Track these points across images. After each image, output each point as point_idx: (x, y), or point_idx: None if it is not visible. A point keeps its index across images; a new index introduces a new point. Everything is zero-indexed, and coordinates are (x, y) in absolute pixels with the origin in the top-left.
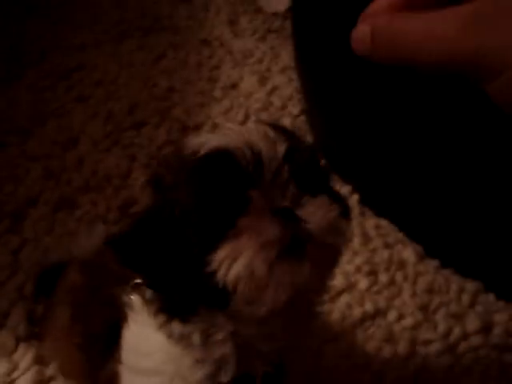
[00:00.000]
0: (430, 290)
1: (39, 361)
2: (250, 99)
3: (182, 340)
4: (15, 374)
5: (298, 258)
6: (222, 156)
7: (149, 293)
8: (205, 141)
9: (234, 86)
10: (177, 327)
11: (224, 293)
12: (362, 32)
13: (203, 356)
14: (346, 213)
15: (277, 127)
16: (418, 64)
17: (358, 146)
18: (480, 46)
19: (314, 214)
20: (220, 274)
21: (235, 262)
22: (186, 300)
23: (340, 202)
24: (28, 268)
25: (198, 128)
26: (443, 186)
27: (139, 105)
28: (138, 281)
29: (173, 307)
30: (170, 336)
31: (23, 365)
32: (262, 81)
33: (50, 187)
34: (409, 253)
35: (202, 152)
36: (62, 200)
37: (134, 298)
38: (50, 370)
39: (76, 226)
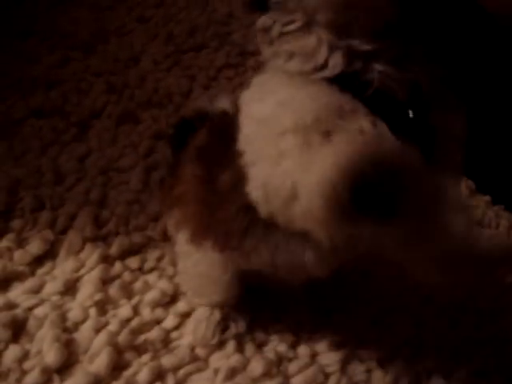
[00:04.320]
0: (480, 224)
1: (104, 260)
2: None
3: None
4: (82, 271)
5: None
6: None
7: None
8: None
9: None
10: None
11: None
12: None
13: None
14: None
15: None
16: None
17: None
18: None
19: None
20: None
21: None
22: None
23: None
24: (93, 175)
25: (256, 54)
26: (495, 123)
27: (199, 28)
28: None
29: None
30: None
31: (89, 263)
32: None
33: (113, 101)
34: (461, 186)
35: None
36: (124, 114)
37: None
38: (115, 270)
39: (138, 140)
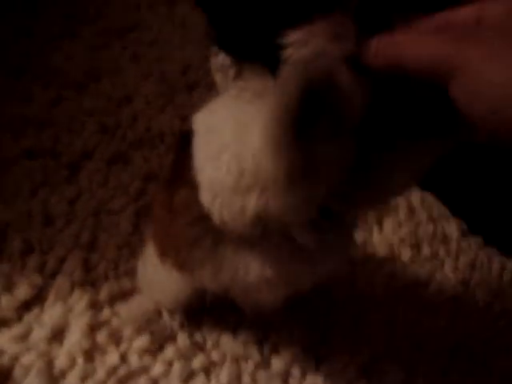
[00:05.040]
0: (471, 266)
1: (93, 306)
2: None
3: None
4: (70, 317)
5: None
6: None
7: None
8: None
9: None
10: (221, 57)
11: None
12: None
13: None
14: None
15: None
16: (402, 69)
17: None
18: (446, 54)
19: None
20: (286, 52)
21: (304, 46)
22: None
23: None
24: (84, 217)
25: None
26: (488, 164)
27: (192, 67)
28: None
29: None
30: (214, 68)
31: (77, 309)
32: None
33: (105, 141)
34: (452, 228)
35: None
36: (116, 154)
37: None
38: (104, 316)
39: (129, 181)
